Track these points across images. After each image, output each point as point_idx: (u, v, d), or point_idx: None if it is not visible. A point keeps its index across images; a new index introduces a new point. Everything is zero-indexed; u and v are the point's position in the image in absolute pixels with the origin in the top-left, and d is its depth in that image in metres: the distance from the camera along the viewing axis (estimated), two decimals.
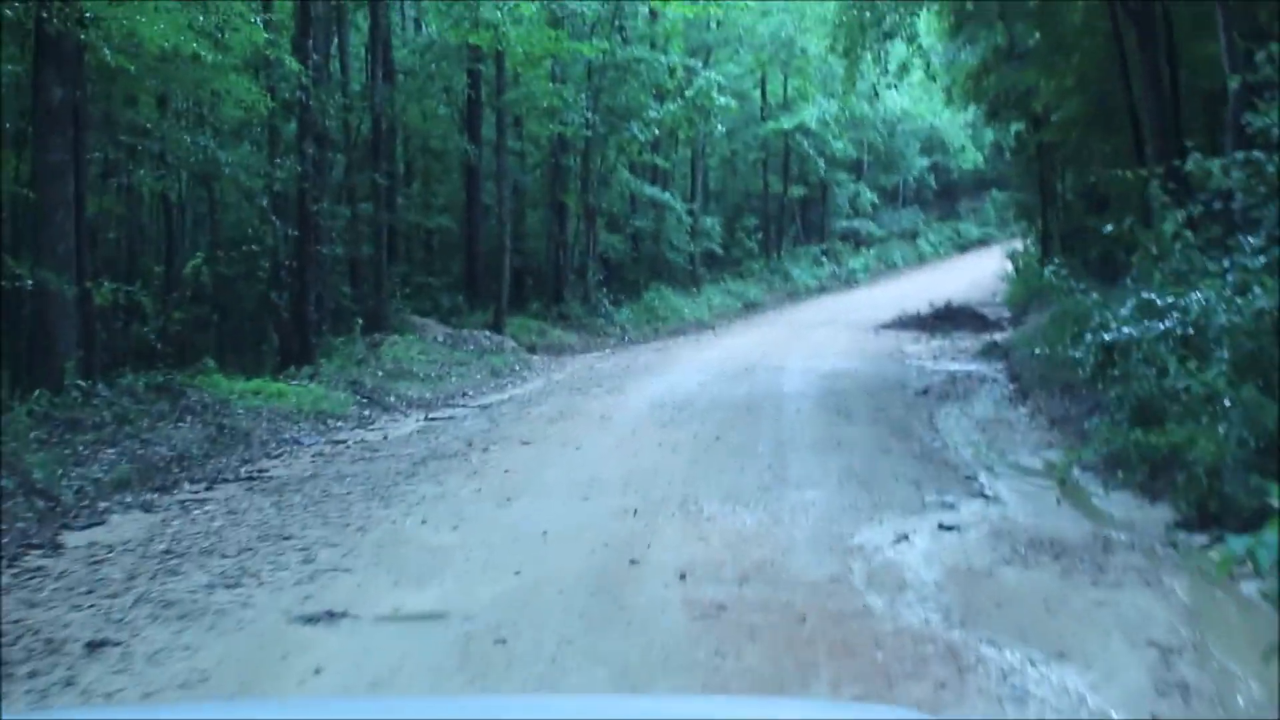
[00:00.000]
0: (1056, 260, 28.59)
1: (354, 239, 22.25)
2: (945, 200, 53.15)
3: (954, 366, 18.93)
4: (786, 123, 36.23)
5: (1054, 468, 10.13)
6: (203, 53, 14.61)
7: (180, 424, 12.59)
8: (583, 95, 26.49)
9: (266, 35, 16.30)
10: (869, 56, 27.56)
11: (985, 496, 8.95)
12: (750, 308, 34.04)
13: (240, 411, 13.51)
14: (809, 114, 36.20)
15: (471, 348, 20.99)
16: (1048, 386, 14.29)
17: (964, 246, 49.66)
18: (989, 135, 48.39)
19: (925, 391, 15.71)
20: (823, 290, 38.94)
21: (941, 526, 7.85)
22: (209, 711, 3.64)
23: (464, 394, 17.65)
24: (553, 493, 9.42)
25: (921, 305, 29.78)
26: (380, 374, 17.93)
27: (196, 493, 10.25)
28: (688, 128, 30.42)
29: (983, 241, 50.42)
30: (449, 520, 8.50)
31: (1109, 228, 11.58)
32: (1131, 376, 9.20)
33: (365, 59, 26.04)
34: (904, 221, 48.02)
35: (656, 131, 29.54)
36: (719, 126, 31.99)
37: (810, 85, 37.06)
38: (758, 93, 38.05)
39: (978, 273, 40.69)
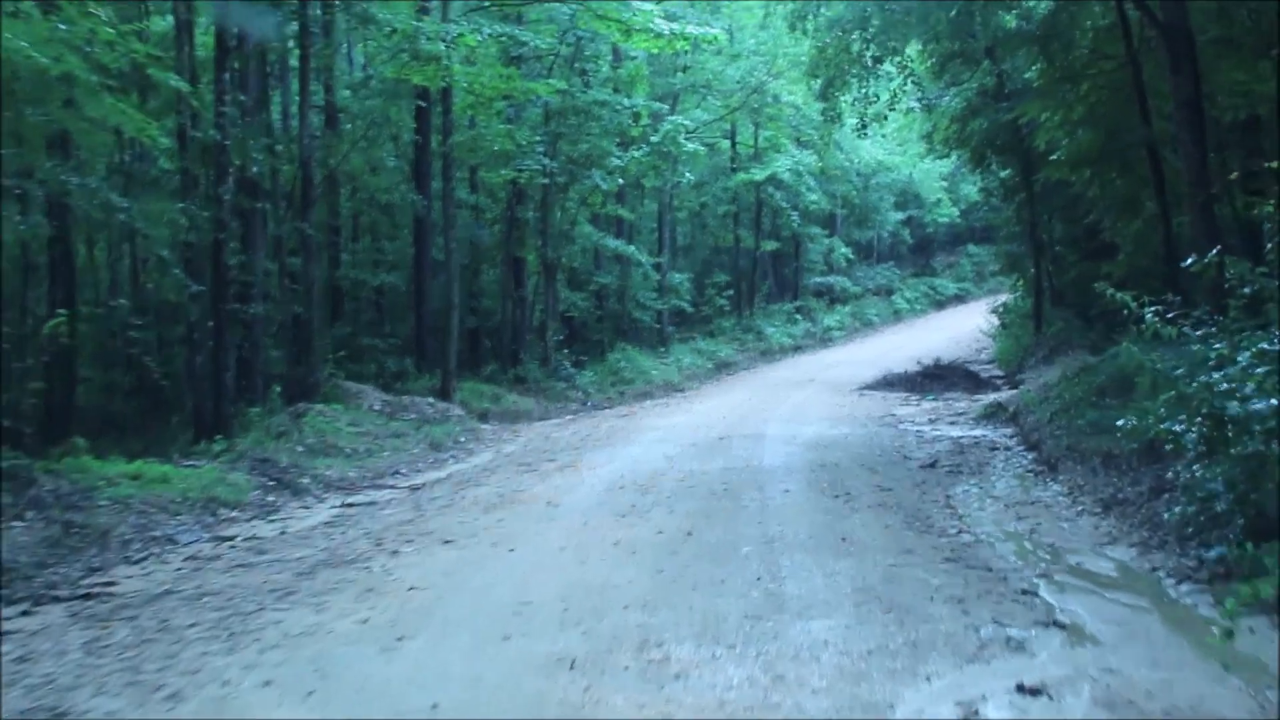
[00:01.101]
0: (1049, 313, 26.31)
1: (285, 297, 19.59)
2: (920, 255, 51.01)
3: (956, 432, 16.40)
4: (758, 174, 33.88)
5: (1133, 573, 7.57)
6: (74, 70, 12.01)
7: (19, 521, 9.89)
8: (539, 140, 24.01)
9: (144, 48, 13.69)
10: (847, 97, 25.28)
11: (1061, 626, 6.34)
12: (722, 368, 31.51)
13: (104, 503, 10.77)
14: (781, 164, 33.88)
15: (412, 417, 18.33)
16: (1081, 458, 11.76)
17: (940, 302, 47.45)
18: (965, 189, 46.55)
19: (932, 464, 13.15)
20: (798, 349, 36.51)
21: (1021, 690, 5.22)
22: None
23: (395, 472, 14.98)
24: (464, 627, 6.73)
25: (905, 363, 27.39)
26: (300, 450, 15.23)
27: (9, 618, 7.59)
28: (654, 176, 28.00)
29: (959, 297, 48.37)
30: (305, 678, 5.83)
31: (1189, 262, 9.02)
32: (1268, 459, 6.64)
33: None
34: (879, 277, 45.72)
35: (621, 180, 27.12)
36: (687, 175, 29.58)
37: (782, 135, 34.79)
38: (727, 143, 35.73)
39: (958, 329, 38.50)
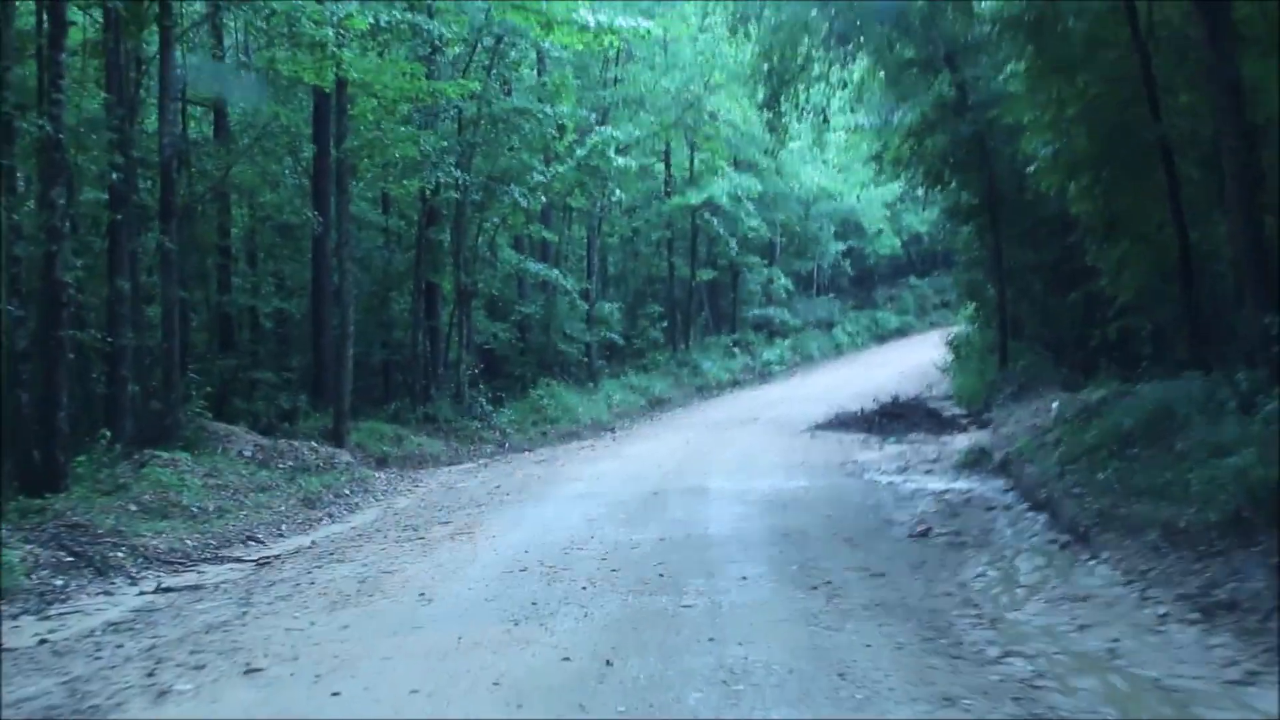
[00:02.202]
0: (1012, 346, 23.57)
1: (136, 323, 16.19)
2: (861, 288, 48.34)
3: (936, 484, 13.39)
4: (694, 198, 30.81)
5: None
6: None
7: None
8: (449, 149, 20.83)
9: None
10: (793, 107, 22.42)
11: None
12: (656, 405, 28.37)
13: None
14: (718, 188, 30.86)
15: (288, 464, 15.01)
16: (1127, 529, 8.76)
17: (882, 336, 44.71)
18: (909, 219, 44.08)
19: (924, 532, 10.12)
20: (736, 384, 33.46)
21: None
22: None
23: (249, 538, 11.70)
24: None
25: (853, 400, 24.45)
26: (132, 510, 11.90)
27: None
28: (580, 195, 24.91)
29: (901, 331, 45.74)
30: None
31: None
32: None
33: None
34: (819, 310, 42.82)
35: (544, 199, 24.01)
36: (618, 193, 26.47)
37: (719, 157, 31.83)
38: (661, 166, 32.71)
39: (904, 364, 35.80)
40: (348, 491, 14.54)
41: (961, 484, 13.30)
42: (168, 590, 9.16)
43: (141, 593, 9.13)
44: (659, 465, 16.13)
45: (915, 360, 36.15)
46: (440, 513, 12.78)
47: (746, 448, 18.31)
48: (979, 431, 19.51)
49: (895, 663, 5.87)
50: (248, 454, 15.14)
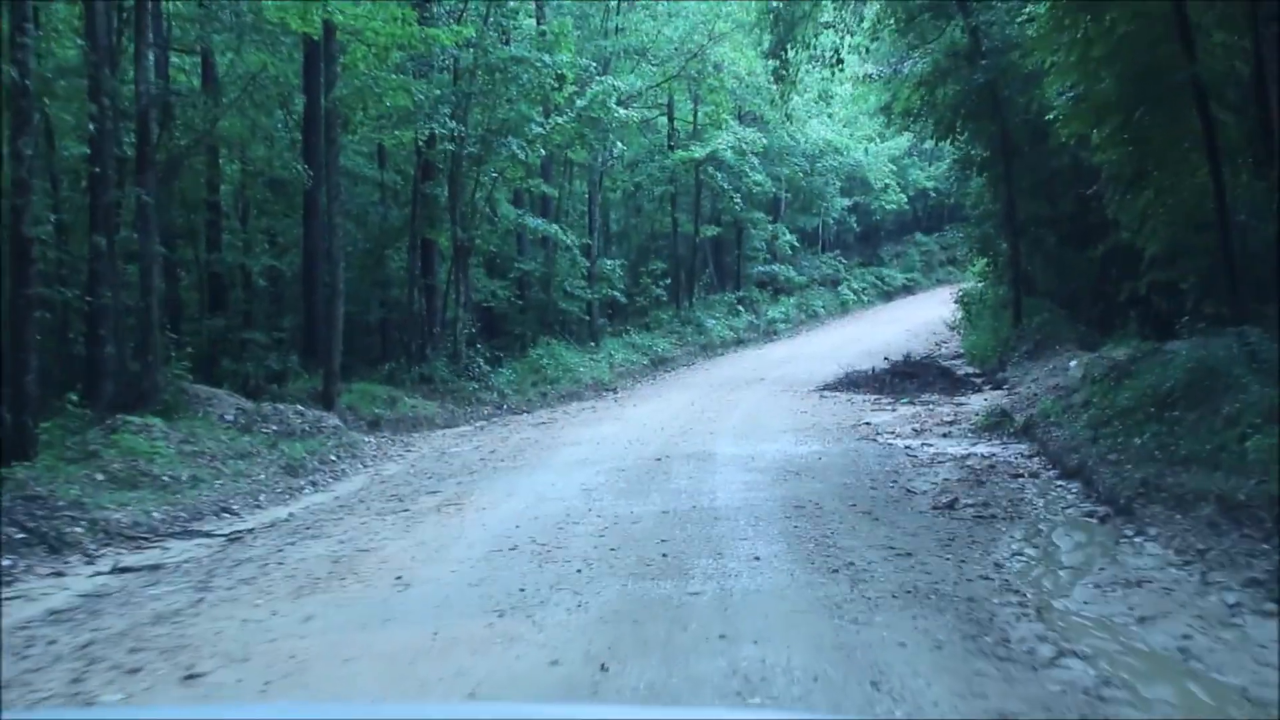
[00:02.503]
0: (1027, 303, 22.67)
1: (111, 279, 15.28)
2: (867, 245, 47.32)
3: (955, 449, 12.55)
4: (697, 152, 29.73)
5: None
6: None
7: None
8: (443, 98, 19.84)
9: None
10: (800, 53, 21.43)
11: None
12: (659, 364, 27.52)
13: None
14: (723, 141, 29.79)
15: (272, 429, 14.15)
16: (1175, 503, 7.90)
17: (888, 294, 43.80)
18: (914, 175, 43.05)
19: (949, 504, 9.23)
20: (740, 343, 32.57)
21: None
22: (204, 712, 3.57)
23: (223, 510, 10.85)
24: None
25: (861, 359, 23.68)
26: (100, 479, 11.08)
27: None
28: (580, 148, 23.90)
29: (907, 288, 44.88)
30: None
31: None
32: None
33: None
34: (825, 267, 41.80)
35: (543, 151, 23.01)
36: (619, 145, 25.48)
37: (724, 110, 30.71)
38: (664, 119, 31.65)
39: (911, 321, 34.98)
40: (334, 458, 13.68)
41: (983, 448, 12.45)
42: (124, 570, 8.32)
43: (96, 573, 8.29)
44: (662, 428, 15.29)
45: (923, 317, 35.23)
46: (429, 481, 11.93)
47: (753, 409, 17.46)
48: (994, 391, 18.70)
49: (936, 667, 5.00)
50: (229, 418, 14.29)
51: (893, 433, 14.33)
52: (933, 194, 45.15)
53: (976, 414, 15.15)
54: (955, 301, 28.51)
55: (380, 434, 16.88)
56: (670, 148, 30.88)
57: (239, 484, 11.83)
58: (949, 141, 25.81)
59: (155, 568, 8.38)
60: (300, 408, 15.22)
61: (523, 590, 6.67)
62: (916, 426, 14.83)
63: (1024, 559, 7.32)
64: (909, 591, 6.34)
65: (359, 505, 10.68)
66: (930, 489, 10.03)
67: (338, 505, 10.85)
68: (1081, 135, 15.23)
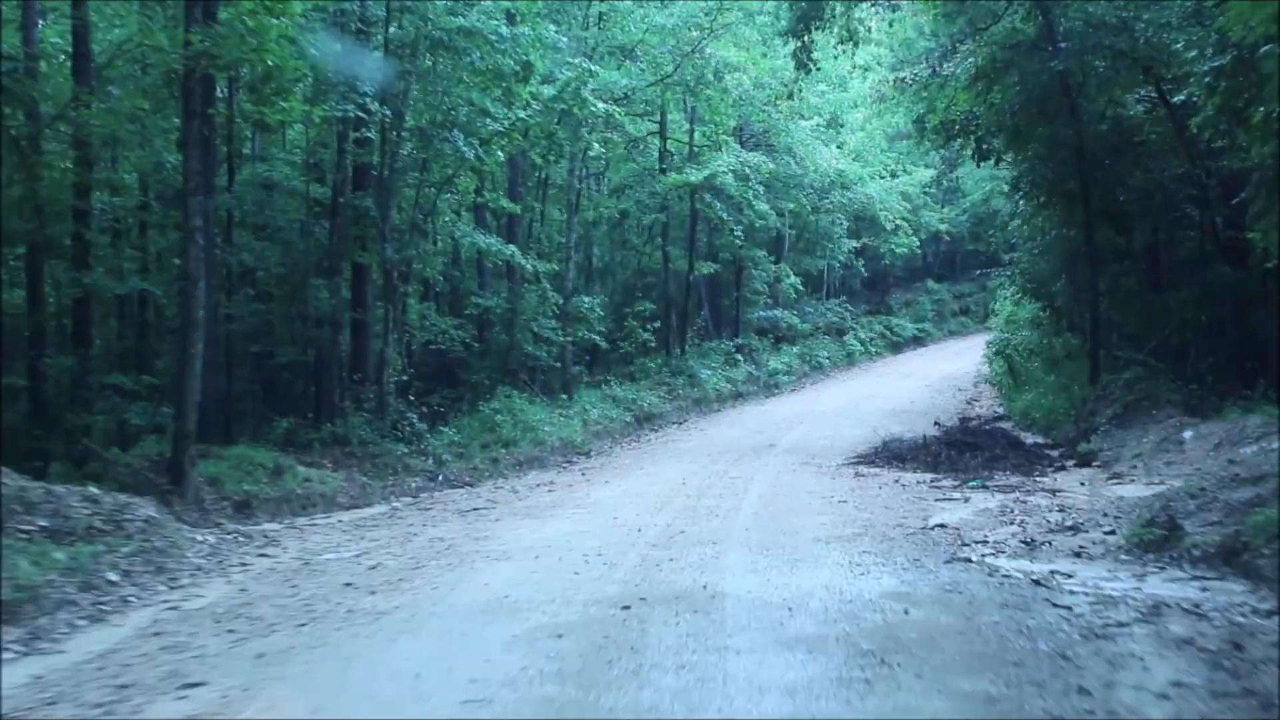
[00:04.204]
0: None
1: None
2: (874, 292, 42.40)
3: (1115, 586, 7.20)
4: (693, 175, 24.52)
5: None
6: None
7: None
8: (365, 74, 14.59)
9: None
10: (828, 30, 16.36)
11: None
12: (644, 421, 22.18)
13: None
14: (723, 163, 24.57)
15: (36, 526, 8.75)
16: None
17: (897, 345, 38.81)
18: (928, 217, 38.19)
19: None
20: (739, 396, 27.30)
21: None
22: None
23: None
24: None
25: (884, 419, 18.82)
26: None
27: None
28: (548, 148, 18.62)
29: (918, 339, 40.02)
30: None
31: None
32: None
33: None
34: (829, 314, 36.62)
35: (502, 155, 17.73)
36: (596, 147, 20.21)
37: (722, 129, 25.50)
38: (656, 139, 26.44)
39: (930, 375, 30.09)
40: (112, 579, 8.25)
41: (1167, 589, 7.11)
42: None
43: None
44: (639, 530, 9.92)
45: (940, 371, 30.55)
46: (239, 635, 6.56)
47: (769, 494, 12.13)
48: (1083, 470, 13.61)
49: None
50: None
51: (986, 543, 9.02)
52: (946, 238, 40.30)
53: (1103, 514, 9.88)
54: (993, 354, 23.42)
55: (247, 521, 11.56)
56: (662, 170, 25.66)
57: None
58: (994, 162, 20.84)
59: None
60: (97, 490, 9.76)
61: None
62: (1017, 532, 9.53)
63: None
64: None
65: (70, 696, 5.29)
66: (1140, 701, 4.69)
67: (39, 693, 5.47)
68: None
